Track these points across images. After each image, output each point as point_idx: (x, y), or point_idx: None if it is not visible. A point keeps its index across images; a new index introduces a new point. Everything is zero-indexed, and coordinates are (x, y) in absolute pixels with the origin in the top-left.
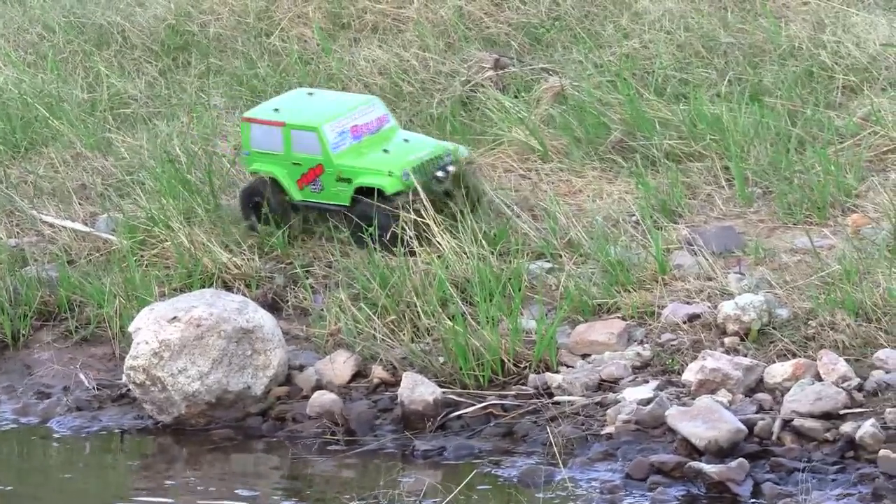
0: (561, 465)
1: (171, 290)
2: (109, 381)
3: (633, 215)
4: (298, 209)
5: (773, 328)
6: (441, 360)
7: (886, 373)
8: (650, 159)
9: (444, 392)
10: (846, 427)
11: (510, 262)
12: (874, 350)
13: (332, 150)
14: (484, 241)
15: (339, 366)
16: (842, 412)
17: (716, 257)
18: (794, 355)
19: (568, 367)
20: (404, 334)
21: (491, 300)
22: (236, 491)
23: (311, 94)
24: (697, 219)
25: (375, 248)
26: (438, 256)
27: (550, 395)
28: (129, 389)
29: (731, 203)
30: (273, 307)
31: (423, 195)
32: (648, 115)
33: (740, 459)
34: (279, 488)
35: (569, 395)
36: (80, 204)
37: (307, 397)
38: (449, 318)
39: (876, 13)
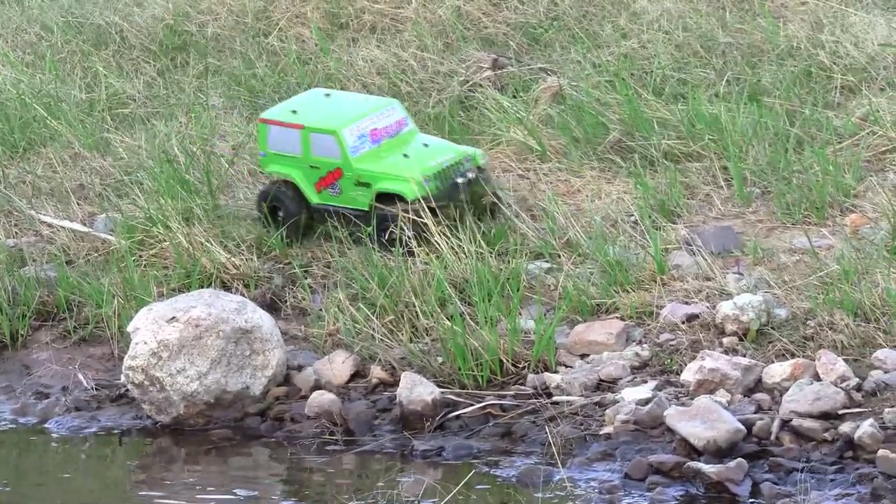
0: (560, 465)
1: (170, 291)
2: (108, 381)
3: (632, 215)
4: (316, 212)
5: (772, 328)
6: (440, 360)
7: (885, 373)
8: (648, 159)
9: (442, 392)
10: (845, 427)
11: (509, 262)
12: (873, 350)
13: (351, 154)
14: (482, 241)
15: (338, 366)
16: (840, 412)
17: (714, 257)
18: (793, 355)
19: (566, 367)
20: (403, 334)
21: (489, 300)
22: (235, 491)
23: (328, 95)
24: (696, 219)
25: (374, 249)
26: (437, 257)
27: (549, 396)
28: (127, 389)
29: (730, 203)
30: (272, 307)
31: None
32: (647, 115)
33: (739, 459)
34: (278, 488)
35: (567, 395)
36: (78, 204)
37: (306, 397)
38: (447, 318)
39: (874, 13)
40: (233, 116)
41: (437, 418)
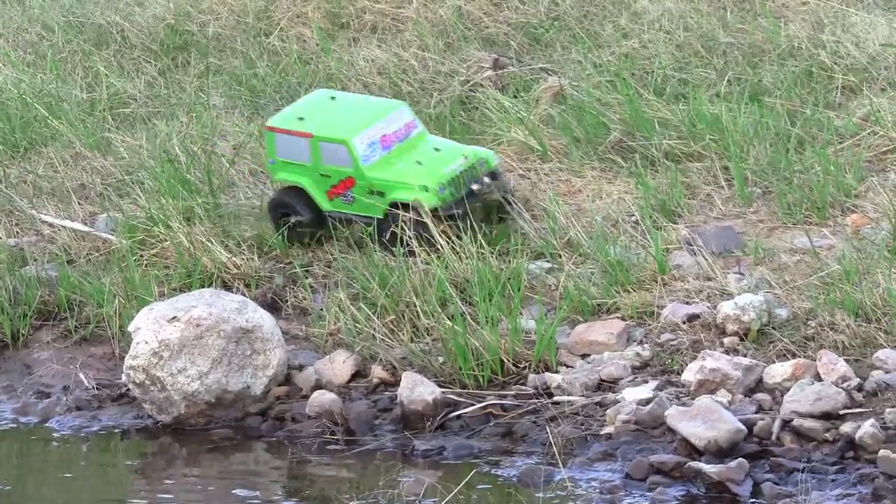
0: (560, 465)
1: (171, 290)
2: (109, 380)
3: (633, 215)
4: (329, 218)
5: (773, 328)
6: (440, 359)
7: (886, 373)
8: (649, 159)
9: (443, 392)
10: (846, 427)
11: (509, 261)
12: (874, 350)
13: (362, 164)
14: (483, 241)
15: (339, 365)
16: (841, 412)
17: (715, 257)
18: (794, 355)
19: (567, 367)
20: (404, 334)
21: (490, 300)
22: (235, 491)
23: (333, 98)
24: (697, 219)
25: (375, 249)
26: (438, 256)
27: (550, 395)
28: (128, 389)
29: (731, 203)
30: (272, 307)
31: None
32: (648, 115)
33: (740, 459)
34: (279, 488)
35: (568, 395)
36: (79, 203)
37: (307, 397)
38: (448, 317)
39: (875, 13)
40: (234, 116)
41: (438, 418)
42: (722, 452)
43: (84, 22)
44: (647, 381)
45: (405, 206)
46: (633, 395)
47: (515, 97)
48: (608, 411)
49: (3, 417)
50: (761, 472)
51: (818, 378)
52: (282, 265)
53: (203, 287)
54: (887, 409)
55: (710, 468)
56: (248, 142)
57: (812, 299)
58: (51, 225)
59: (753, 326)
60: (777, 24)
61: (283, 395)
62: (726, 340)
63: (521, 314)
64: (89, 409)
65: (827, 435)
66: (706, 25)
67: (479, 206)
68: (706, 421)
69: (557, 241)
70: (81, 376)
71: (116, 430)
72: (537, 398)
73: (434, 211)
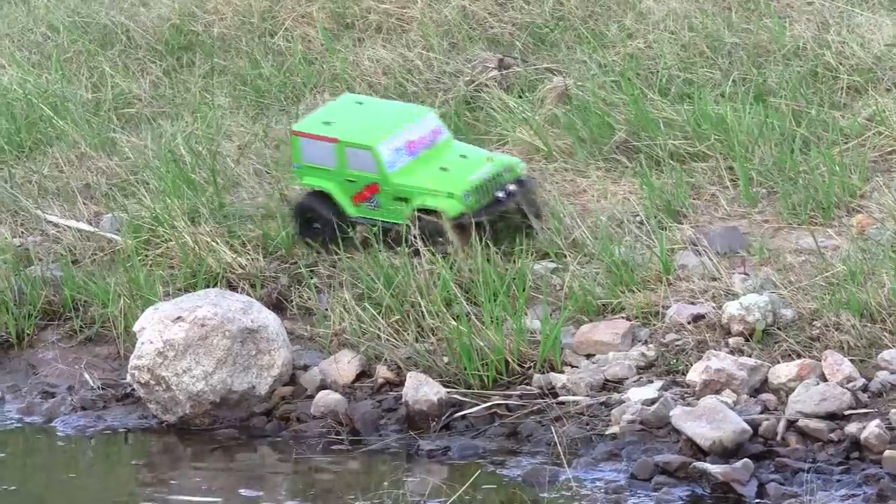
0: (565, 465)
1: (176, 290)
2: (114, 380)
3: (638, 215)
4: (354, 223)
5: (778, 328)
6: (445, 359)
7: (891, 373)
8: (654, 159)
9: (448, 392)
10: (851, 428)
11: (514, 262)
12: (879, 350)
13: (388, 170)
14: (488, 241)
15: (344, 366)
16: (847, 413)
17: (720, 257)
18: (799, 356)
19: (572, 367)
20: (409, 334)
21: (495, 300)
22: (240, 491)
23: (360, 103)
24: (702, 219)
25: (380, 249)
26: (443, 256)
27: (555, 395)
28: (133, 389)
29: (736, 203)
30: (277, 307)
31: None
32: (653, 116)
33: (745, 460)
34: (283, 488)
35: (573, 395)
36: (84, 203)
37: (311, 397)
38: (453, 317)
39: (880, 13)
40: (238, 116)
41: (443, 418)
42: (727, 453)
43: (89, 22)
44: (652, 382)
45: (431, 213)
46: (638, 395)
47: (520, 97)
48: (613, 411)
49: (8, 417)
50: (766, 472)
51: (823, 378)
52: (287, 265)
53: (208, 287)
54: (892, 410)
55: (715, 468)
56: (254, 142)
57: (817, 300)
58: (56, 225)
59: (758, 327)
60: (782, 24)
61: (288, 395)
62: (731, 341)
63: (525, 314)
64: (94, 409)
65: (832, 435)
66: (711, 26)
67: (505, 215)
68: (711, 421)
69: (562, 241)
70: (86, 376)
71: (121, 431)
72: (542, 398)
73: (459, 218)
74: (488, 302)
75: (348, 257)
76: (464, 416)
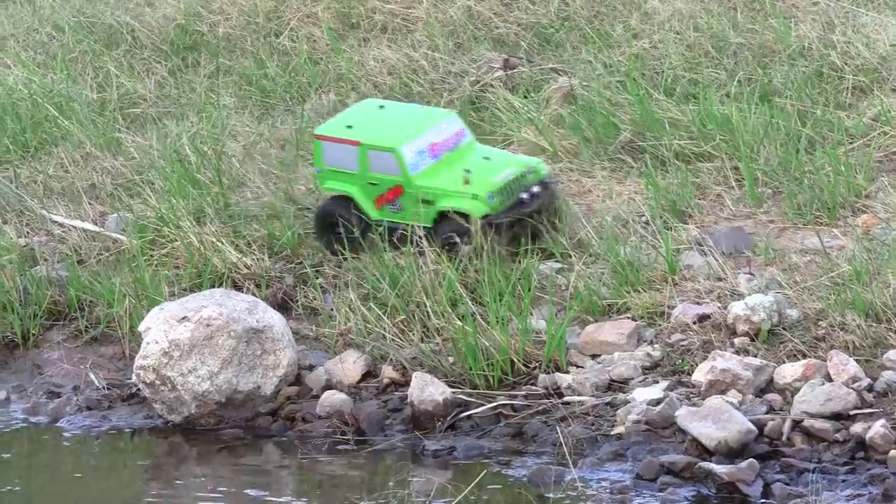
0: (571, 465)
1: (181, 290)
2: (119, 380)
3: (643, 215)
4: (377, 227)
5: (783, 329)
6: (451, 360)
7: None
8: (660, 159)
9: (453, 392)
10: (856, 428)
11: (520, 262)
12: (884, 350)
13: (411, 172)
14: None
15: (349, 366)
16: (852, 413)
17: (726, 258)
18: (805, 356)
19: (578, 367)
20: (414, 334)
21: (501, 300)
22: (246, 491)
23: (382, 107)
24: (707, 219)
25: (385, 249)
26: (448, 257)
27: (560, 396)
28: (139, 389)
29: (741, 203)
30: (283, 307)
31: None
32: (658, 116)
33: (750, 460)
34: (289, 488)
35: (579, 395)
36: (89, 203)
37: (317, 397)
38: (459, 318)
39: (886, 13)
40: (244, 116)
41: (449, 418)
42: (732, 453)
43: (94, 22)
44: (657, 382)
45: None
46: (643, 395)
47: (526, 97)
48: (618, 412)
49: (13, 417)
50: (772, 472)
51: (829, 378)
52: (292, 265)
53: (213, 287)
54: None
55: (720, 468)
56: (259, 142)
57: (822, 300)
58: (61, 225)
59: (764, 327)
60: (787, 24)
61: (293, 395)
62: (737, 341)
63: (531, 314)
64: (100, 409)
65: (837, 435)
66: (716, 26)
67: (530, 216)
68: (717, 421)
69: (568, 241)
70: (92, 376)
71: (127, 430)
72: (548, 398)
73: (483, 219)
74: (494, 302)
75: (354, 257)
76: (469, 417)
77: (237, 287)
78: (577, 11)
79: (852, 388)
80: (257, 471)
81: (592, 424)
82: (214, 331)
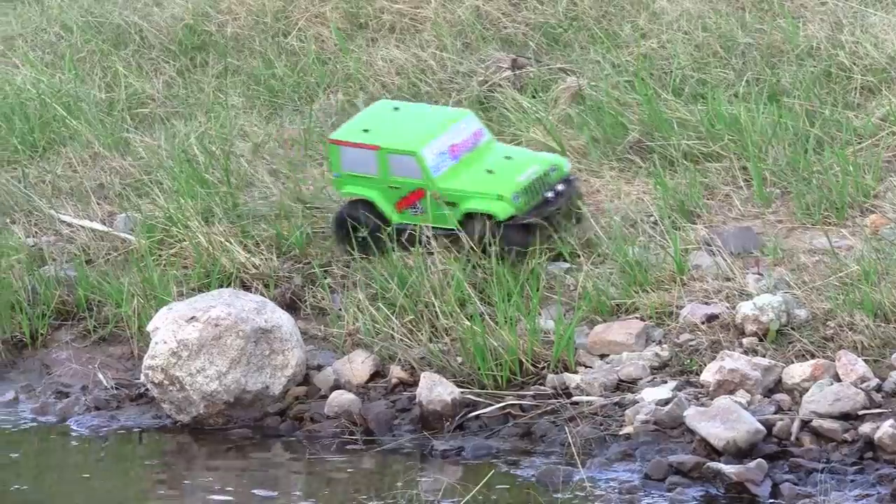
0: (579, 465)
1: (190, 290)
2: (128, 380)
3: (652, 215)
4: (398, 230)
5: (792, 329)
6: (459, 360)
7: None
8: (668, 159)
9: (462, 392)
10: (865, 428)
11: (528, 262)
12: (893, 350)
13: (433, 174)
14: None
15: (358, 366)
16: (860, 413)
17: (734, 258)
18: (813, 356)
19: (586, 367)
20: (422, 334)
21: (509, 300)
22: (254, 491)
23: (397, 108)
24: (716, 219)
25: (393, 249)
26: (455, 258)
27: (569, 396)
28: (147, 389)
29: (750, 203)
30: (291, 307)
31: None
32: (666, 116)
33: (759, 460)
34: (297, 488)
35: (587, 395)
36: (98, 203)
37: (325, 397)
38: (467, 318)
39: (894, 13)
40: (252, 116)
41: (457, 418)
42: (741, 453)
43: (102, 22)
44: (665, 382)
45: (479, 217)
46: (651, 395)
47: (534, 97)
48: (627, 412)
49: (22, 417)
50: (780, 472)
51: (837, 378)
52: (300, 265)
53: (222, 287)
54: None
55: (729, 469)
56: (267, 141)
57: (831, 300)
58: (70, 225)
59: (772, 327)
60: (795, 24)
61: (301, 395)
62: (745, 341)
63: (539, 314)
64: (108, 409)
65: (846, 435)
66: (725, 26)
67: (556, 214)
68: (725, 421)
69: (576, 241)
70: (100, 376)
71: (135, 430)
72: (556, 398)
73: (509, 220)
74: (502, 302)
75: (362, 257)
76: (477, 417)
77: (245, 287)
78: (585, 11)
79: (861, 389)
80: (265, 471)
81: (601, 424)
82: (223, 331)
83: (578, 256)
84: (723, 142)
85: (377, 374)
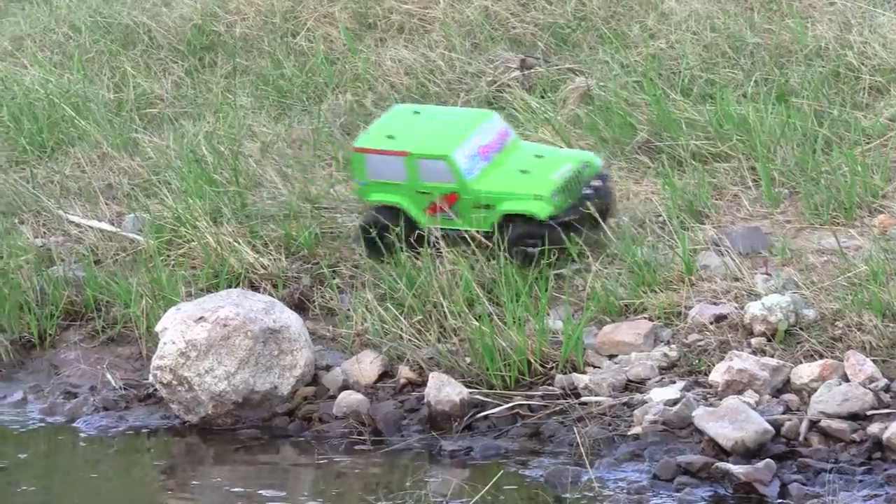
0: (588, 465)
1: (198, 291)
2: (136, 380)
3: (660, 216)
4: (427, 235)
5: (800, 329)
6: (468, 360)
7: None
8: (677, 160)
9: (470, 392)
10: (873, 428)
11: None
12: None
13: (467, 177)
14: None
15: (366, 366)
16: (869, 413)
17: (742, 258)
18: (821, 356)
19: (595, 367)
20: (431, 334)
21: (518, 300)
22: (262, 491)
23: (417, 112)
24: (724, 219)
25: (402, 249)
26: (466, 257)
27: (577, 396)
28: (155, 389)
29: (758, 204)
30: (300, 307)
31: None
32: (675, 116)
33: (767, 460)
34: (305, 488)
35: (595, 395)
36: (106, 204)
37: (334, 397)
38: (476, 318)
39: None
40: (261, 116)
41: (465, 418)
42: (749, 453)
43: (111, 22)
44: (674, 382)
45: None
46: (660, 395)
47: (542, 97)
48: (635, 412)
49: (30, 417)
50: (789, 472)
51: (845, 379)
52: (309, 265)
53: (230, 287)
54: None
55: (737, 469)
56: (276, 142)
57: (839, 300)
58: (78, 225)
59: (781, 327)
60: (804, 24)
61: (310, 395)
62: (753, 341)
63: (548, 315)
64: (116, 410)
65: (854, 436)
66: (733, 26)
67: (593, 211)
68: (733, 421)
69: (584, 241)
70: (108, 376)
71: (143, 431)
72: (564, 399)
73: (549, 219)
74: (511, 302)
75: (389, 262)
76: (486, 417)
77: (254, 287)
78: (593, 11)
79: (869, 389)
80: (274, 471)
81: (609, 425)
82: (231, 331)
83: (587, 257)
84: (731, 142)
85: (386, 375)
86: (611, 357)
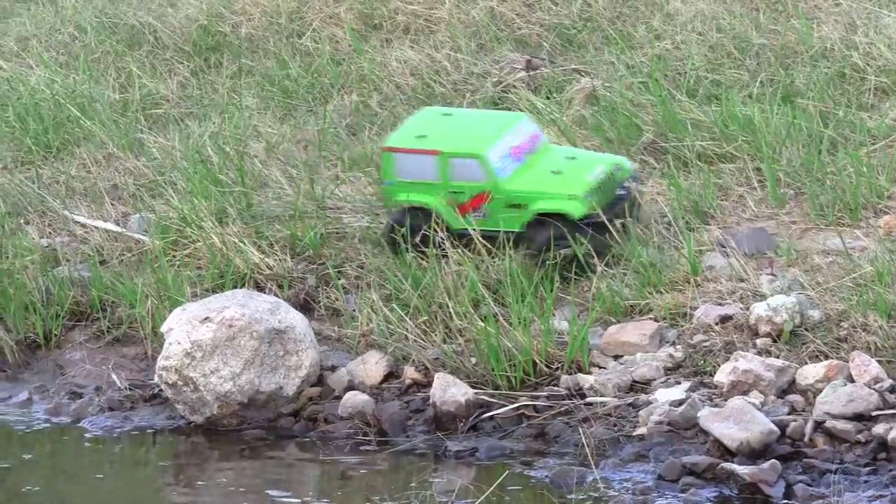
0: (593, 466)
1: (203, 291)
2: (142, 381)
3: (665, 216)
4: (459, 236)
5: (806, 329)
6: (473, 361)
7: None
8: (682, 160)
9: (476, 393)
10: (878, 428)
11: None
12: None
13: (499, 177)
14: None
15: (371, 366)
16: (874, 414)
17: (748, 259)
18: (827, 357)
19: (600, 368)
20: (436, 335)
21: (523, 301)
22: (268, 491)
23: (448, 114)
24: (729, 220)
25: (407, 249)
26: (470, 258)
27: (582, 397)
28: (161, 390)
29: (763, 204)
30: (305, 308)
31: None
32: (680, 117)
33: (772, 461)
34: (311, 488)
35: (601, 396)
36: (112, 204)
37: (339, 398)
38: (481, 319)
39: None
40: (266, 117)
41: (471, 419)
42: (754, 454)
43: (117, 23)
44: (679, 383)
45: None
46: (665, 396)
47: (548, 98)
48: (641, 412)
49: (35, 418)
50: (794, 473)
51: (851, 379)
52: (314, 266)
53: (236, 288)
54: None
55: (742, 469)
56: (281, 142)
57: (844, 301)
58: (83, 225)
59: (786, 328)
60: (809, 25)
61: (315, 395)
62: (759, 342)
63: (553, 315)
64: (122, 410)
65: (859, 436)
66: (739, 27)
67: (626, 213)
68: (739, 422)
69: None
70: (114, 377)
71: (149, 431)
72: (570, 399)
73: (581, 220)
74: (516, 303)
75: (375, 257)
76: (491, 417)
77: (259, 288)
78: (599, 12)
79: (874, 389)
80: (279, 471)
81: (614, 425)
82: (237, 331)
83: (593, 257)
84: (737, 143)
85: (391, 375)
86: (616, 358)
